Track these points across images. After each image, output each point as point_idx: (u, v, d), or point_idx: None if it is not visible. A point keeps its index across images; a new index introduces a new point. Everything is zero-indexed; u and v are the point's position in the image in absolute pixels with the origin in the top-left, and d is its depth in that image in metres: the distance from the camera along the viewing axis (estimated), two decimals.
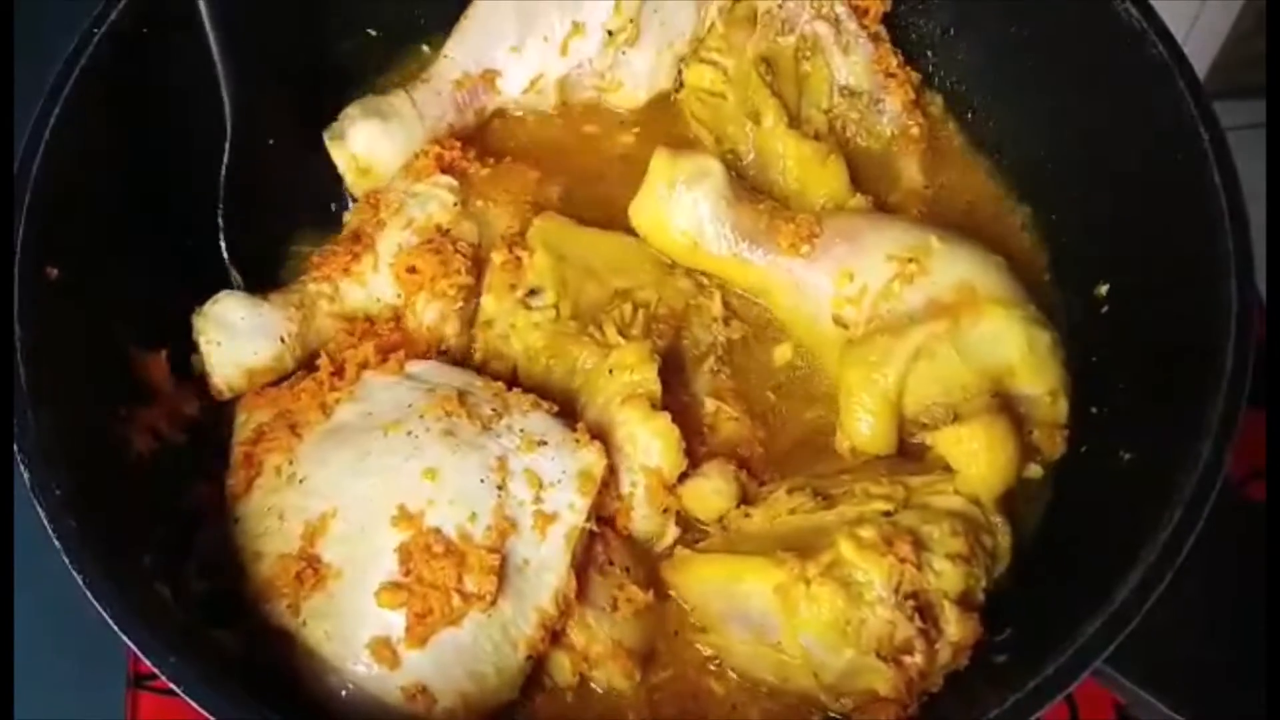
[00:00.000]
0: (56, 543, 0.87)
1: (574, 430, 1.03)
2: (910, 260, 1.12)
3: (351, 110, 1.24)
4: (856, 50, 1.29)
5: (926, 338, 1.08)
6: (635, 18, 1.27)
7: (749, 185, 1.22)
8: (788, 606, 0.97)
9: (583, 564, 1.02)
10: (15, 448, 0.90)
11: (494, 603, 0.94)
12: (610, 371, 1.08)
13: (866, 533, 0.97)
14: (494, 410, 1.03)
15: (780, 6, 1.30)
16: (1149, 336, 1.08)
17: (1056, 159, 1.25)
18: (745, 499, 1.09)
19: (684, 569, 1.05)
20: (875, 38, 1.30)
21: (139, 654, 0.85)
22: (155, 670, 0.85)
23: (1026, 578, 1.05)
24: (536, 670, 1.00)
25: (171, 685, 0.84)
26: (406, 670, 0.93)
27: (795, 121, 1.27)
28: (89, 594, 0.86)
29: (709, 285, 1.20)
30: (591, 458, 1.01)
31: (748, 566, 1.00)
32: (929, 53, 1.36)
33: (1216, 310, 0.97)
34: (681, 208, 1.16)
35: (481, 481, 0.98)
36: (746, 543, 1.04)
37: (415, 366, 1.08)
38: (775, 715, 1.03)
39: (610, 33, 1.27)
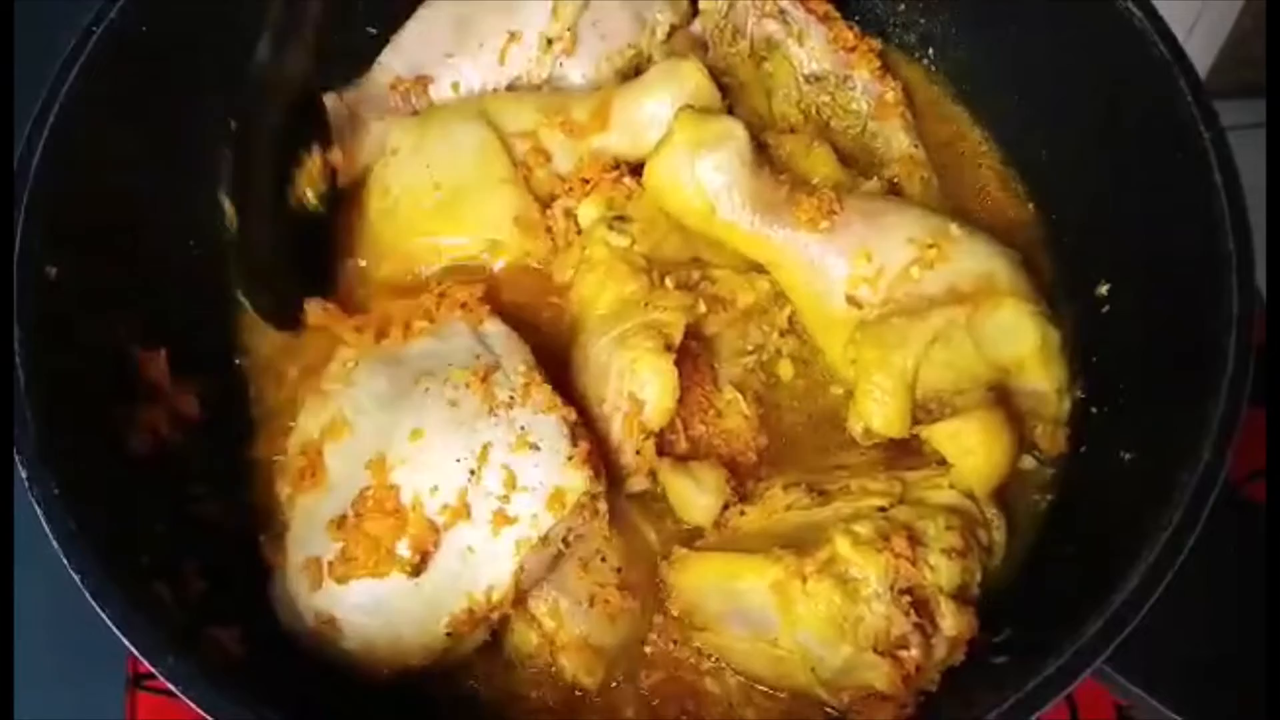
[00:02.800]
0: (55, 543, 0.87)
1: (576, 448, 1.00)
2: (931, 245, 1.12)
3: None
4: (810, 36, 1.29)
5: (945, 323, 1.08)
6: (573, 26, 1.26)
7: (771, 157, 1.21)
8: (785, 603, 0.97)
9: (568, 553, 1.03)
10: (14, 448, 0.90)
11: (417, 574, 0.96)
12: (645, 305, 1.09)
13: (862, 529, 0.97)
14: (511, 397, 1.02)
15: (724, 17, 1.30)
16: (1149, 336, 1.08)
17: (1057, 158, 1.25)
18: (741, 497, 1.09)
19: (682, 568, 1.05)
20: (826, 18, 1.30)
21: (137, 654, 0.85)
22: (153, 670, 0.85)
23: (1027, 578, 1.05)
24: (498, 643, 1.03)
25: (169, 685, 0.84)
26: (322, 595, 0.97)
27: (770, 121, 1.27)
28: (88, 594, 0.86)
29: (785, 299, 1.18)
30: (575, 482, 0.98)
31: (745, 564, 1.00)
32: (930, 51, 1.36)
33: (1217, 310, 0.97)
34: (700, 172, 1.14)
35: (457, 461, 0.99)
36: (743, 541, 1.04)
37: (491, 326, 1.09)
38: (772, 715, 1.03)
39: (549, 41, 1.26)
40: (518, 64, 1.27)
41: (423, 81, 1.27)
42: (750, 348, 1.16)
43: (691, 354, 1.11)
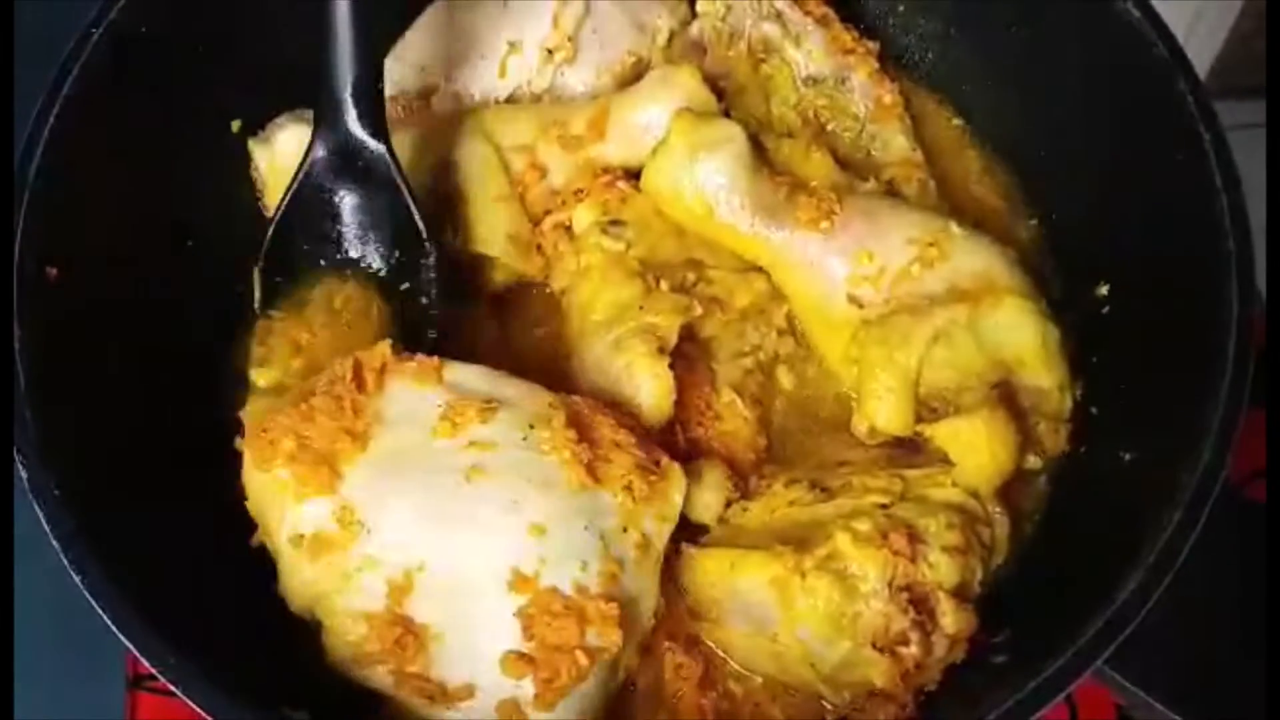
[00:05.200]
0: (55, 543, 0.87)
1: (659, 465, 0.98)
2: (931, 245, 1.12)
3: (281, 119, 1.22)
4: (808, 38, 1.28)
5: (947, 321, 1.08)
6: (574, 36, 1.25)
7: (769, 160, 1.21)
8: (784, 599, 0.97)
9: None
10: (14, 448, 0.90)
11: (621, 648, 0.91)
12: (640, 307, 1.09)
13: (862, 526, 0.97)
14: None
15: (722, 20, 1.30)
16: (1149, 336, 1.08)
17: (1056, 159, 1.25)
18: (744, 494, 1.08)
19: (686, 564, 1.04)
20: (823, 20, 1.29)
21: (137, 655, 0.85)
22: (153, 670, 0.85)
23: (1026, 578, 1.05)
24: None
25: (169, 685, 0.84)
26: None
27: (768, 125, 1.27)
28: (88, 594, 0.86)
29: (781, 298, 1.18)
30: (672, 492, 0.98)
31: (745, 560, 1.00)
32: (929, 53, 1.36)
33: (1217, 310, 0.97)
34: (699, 174, 1.14)
35: (585, 528, 0.93)
36: (745, 537, 1.04)
37: (454, 374, 0.98)
38: (797, 714, 1.03)
39: (550, 51, 1.25)
40: (519, 74, 1.26)
41: (424, 93, 1.26)
42: (747, 349, 1.16)
43: (688, 357, 1.11)
